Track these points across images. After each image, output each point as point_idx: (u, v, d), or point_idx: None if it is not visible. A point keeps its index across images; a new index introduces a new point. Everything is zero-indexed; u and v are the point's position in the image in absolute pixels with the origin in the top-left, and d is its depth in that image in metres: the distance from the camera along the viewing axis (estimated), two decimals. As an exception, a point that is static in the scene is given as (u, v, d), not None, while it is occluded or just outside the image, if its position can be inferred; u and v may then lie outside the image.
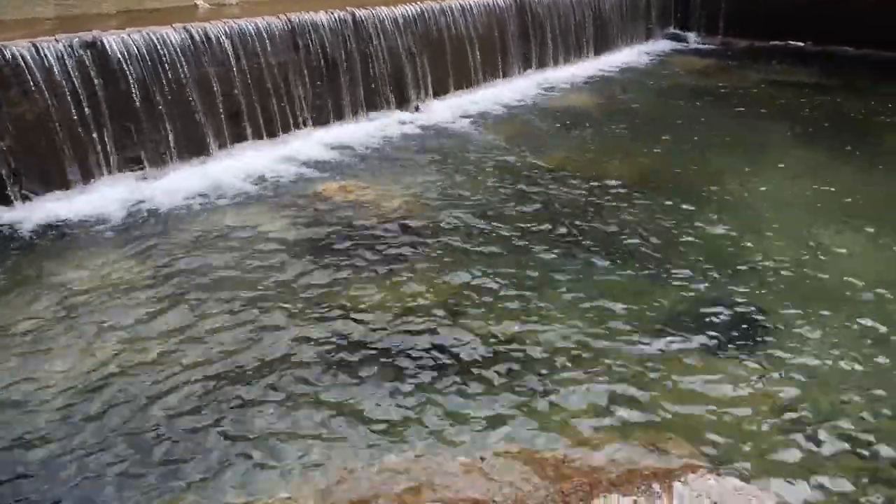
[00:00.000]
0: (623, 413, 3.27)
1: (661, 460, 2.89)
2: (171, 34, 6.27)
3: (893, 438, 3.09)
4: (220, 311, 4.12)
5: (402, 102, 8.13)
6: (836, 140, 7.30)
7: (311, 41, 7.29)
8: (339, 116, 7.57)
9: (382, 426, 3.21)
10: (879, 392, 3.40)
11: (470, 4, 8.97)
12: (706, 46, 12.00)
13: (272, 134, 7.02)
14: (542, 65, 10.03)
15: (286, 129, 7.13)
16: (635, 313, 4.10)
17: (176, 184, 5.92)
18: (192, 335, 3.89)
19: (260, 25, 6.96)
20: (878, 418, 3.23)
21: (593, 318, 4.04)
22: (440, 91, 8.58)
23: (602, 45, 11.09)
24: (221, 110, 6.62)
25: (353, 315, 4.08)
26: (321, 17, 7.43)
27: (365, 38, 7.73)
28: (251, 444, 3.11)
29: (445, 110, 8.18)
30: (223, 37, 6.58)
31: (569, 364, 3.63)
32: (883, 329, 3.91)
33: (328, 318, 4.06)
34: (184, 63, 6.28)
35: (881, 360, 3.65)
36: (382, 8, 7.99)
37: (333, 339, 3.86)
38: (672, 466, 2.81)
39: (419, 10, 8.37)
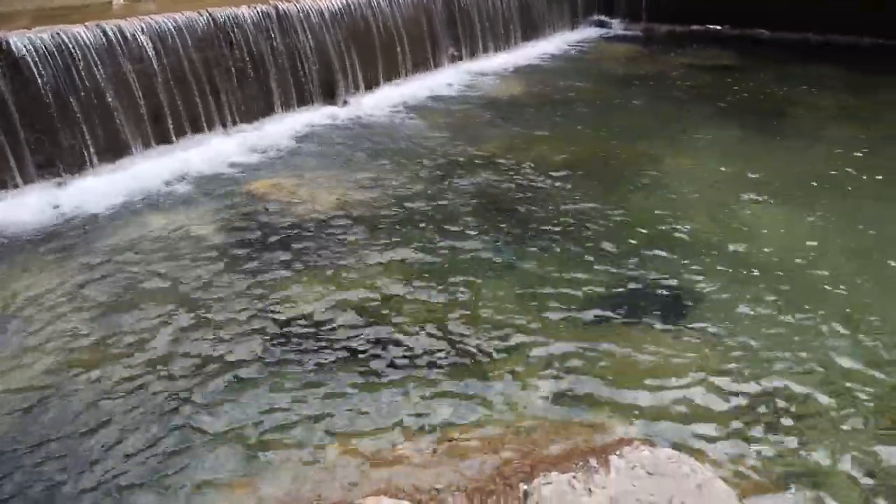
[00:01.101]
0: (559, 392, 3.33)
1: (598, 436, 2.97)
2: (84, 33, 6.01)
3: (819, 401, 3.25)
4: (148, 317, 3.99)
5: (332, 96, 8.03)
6: (753, 119, 7.60)
7: (235, 36, 7.11)
8: (268, 112, 7.42)
9: (324, 421, 3.19)
10: (803, 355, 3.58)
11: (397, -4, 8.92)
12: (630, 32, 12.29)
13: (198, 132, 6.83)
14: (471, 54, 10.07)
15: (212, 127, 6.95)
16: (568, 295, 4.18)
17: (97, 189, 5.69)
18: (118, 345, 3.76)
19: (180, 21, 6.74)
20: (804, 381, 3.38)
21: (528, 302, 4.11)
22: (370, 84, 8.51)
23: (529, 33, 11.22)
24: (143, 110, 6.40)
25: (288, 312, 4.03)
26: (244, 11, 7.25)
27: (290, 32, 7.60)
28: (191, 449, 3.03)
29: (376, 103, 8.13)
30: (140, 34, 6.34)
31: (505, 348, 3.68)
32: (801, 296, 4.11)
33: (262, 317, 3.99)
34: (98, 63, 6.03)
35: (801, 325, 3.83)
36: (307, 1, 7.86)
37: (268, 338, 3.80)
38: (608, 441, 2.89)
39: (345, 2, 8.27)
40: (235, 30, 7.11)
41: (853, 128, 7.23)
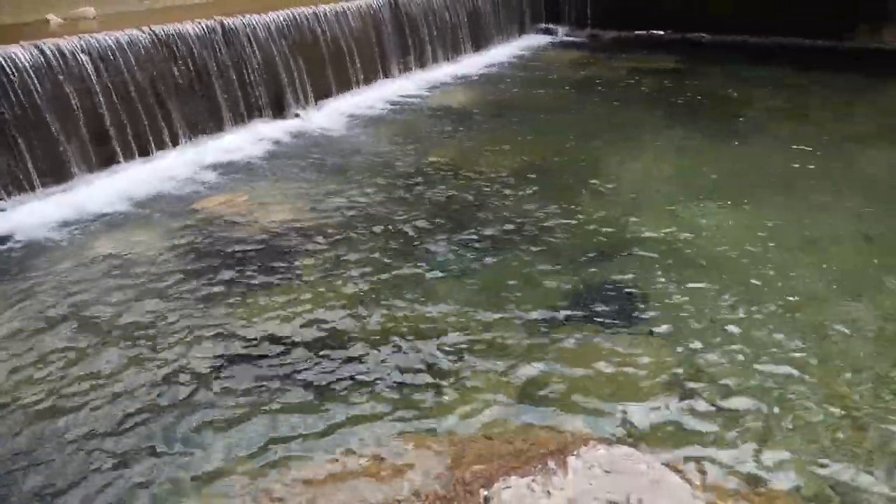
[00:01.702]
0: (517, 397, 3.35)
1: (557, 437, 2.99)
2: (20, 53, 5.84)
3: (771, 395, 3.33)
4: (91, 342, 3.88)
5: (282, 110, 7.97)
6: (699, 120, 7.82)
7: (179, 52, 7.01)
8: (216, 129, 7.32)
9: (280, 436, 3.14)
10: (754, 350, 3.66)
11: (344, 8, 8.92)
12: (576, 39, 12.52)
13: (145, 152, 6.69)
14: (421, 64, 10.12)
15: (160, 146, 6.82)
16: (524, 299, 4.21)
17: (40, 212, 5.53)
18: (57, 372, 3.64)
19: (121, 39, 6.61)
20: (754, 376, 3.47)
21: (484, 309, 4.12)
22: (321, 96, 8.48)
23: (478, 42, 11.34)
24: (86, 131, 6.24)
25: (240, 331, 3.96)
26: (188, 27, 7.15)
27: (237, 47, 7.52)
28: (132, 476, 2.95)
29: (327, 115, 8.10)
30: (80, 52, 6.19)
31: (462, 355, 3.69)
32: (751, 292, 4.21)
33: (213, 338, 3.91)
34: (37, 83, 5.86)
35: (752, 322, 3.93)
36: (253, 16, 7.79)
37: (219, 358, 3.72)
38: (566, 442, 2.91)
39: (292, 16, 8.23)
40: (180, 46, 7.00)
41: (794, 126, 7.48)
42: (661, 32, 12.06)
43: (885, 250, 4.70)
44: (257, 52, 7.70)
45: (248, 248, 4.95)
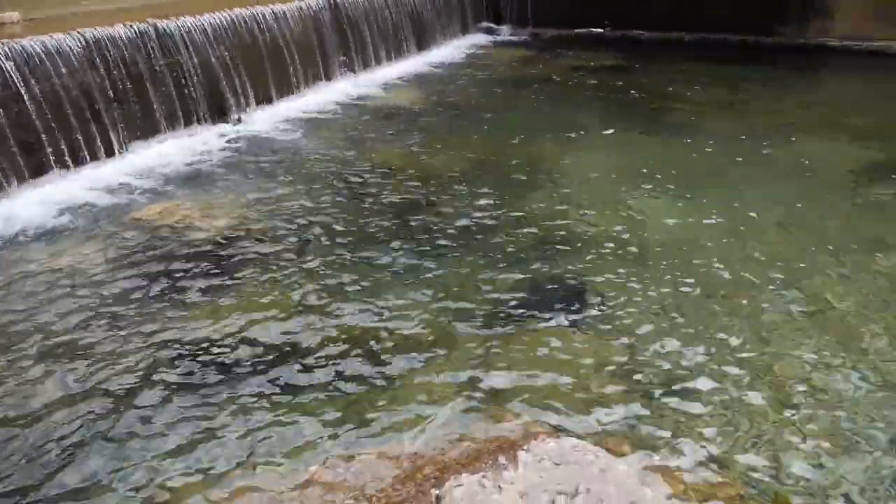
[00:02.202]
0: (468, 395, 3.36)
1: (506, 433, 3.01)
2: (-63, 60, 5.57)
3: (710, 381, 3.42)
4: (28, 360, 3.72)
5: (222, 115, 7.80)
6: (639, 115, 8.00)
7: (112, 58, 6.78)
8: (153, 135, 7.11)
9: (223, 447, 3.07)
10: (694, 338, 3.77)
11: (283, 10, 8.78)
12: (518, 38, 12.64)
13: (78, 161, 6.44)
14: (364, 65, 10.05)
15: (94, 155, 6.58)
16: (473, 298, 4.23)
17: (-35, 227, 5.27)
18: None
19: (49, 44, 6.35)
20: (695, 363, 3.56)
21: (433, 309, 4.13)
22: (262, 100, 8.33)
23: (421, 42, 11.33)
24: (13, 141, 5.98)
25: (183, 340, 3.86)
26: (119, 31, 6.93)
27: (172, 51, 7.33)
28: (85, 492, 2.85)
29: (269, 119, 7.96)
30: (3, 59, 5.93)
31: (412, 357, 3.68)
32: (691, 281, 4.33)
33: (154, 347, 3.81)
34: (-43, 92, 5.60)
35: (693, 310, 4.04)
36: (188, 18, 7.61)
37: (160, 369, 3.62)
38: (515, 437, 2.94)
39: (229, 18, 8.06)
40: (111, 50, 6.78)
41: (728, 119, 7.74)
42: (601, 30, 12.28)
43: (815, 236, 4.90)
44: (194, 55, 7.52)
45: (189, 257, 4.83)
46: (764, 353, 3.63)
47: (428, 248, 4.90)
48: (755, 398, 3.29)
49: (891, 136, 6.87)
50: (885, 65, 9.89)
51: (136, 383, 3.53)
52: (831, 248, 4.70)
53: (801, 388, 3.36)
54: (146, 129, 7.08)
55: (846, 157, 6.36)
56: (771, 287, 4.24)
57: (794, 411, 3.21)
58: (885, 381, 3.40)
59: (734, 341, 3.73)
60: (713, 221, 5.17)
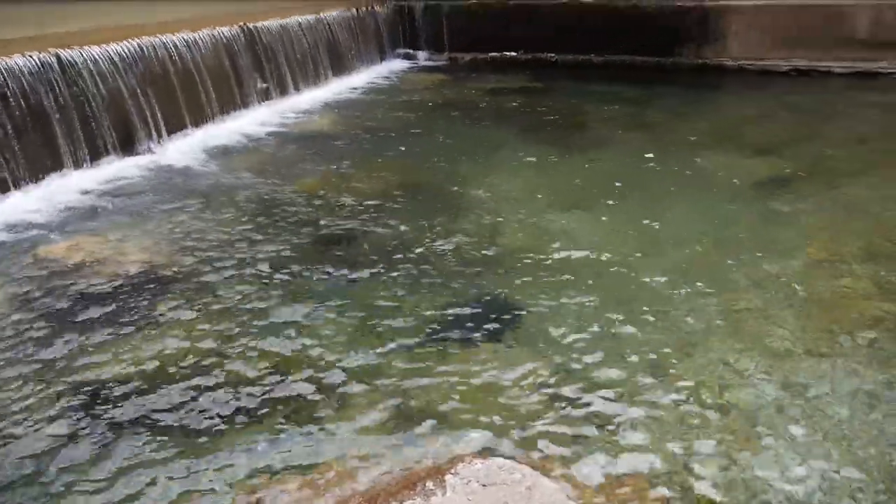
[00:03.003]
0: (395, 421, 3.34)
1: (434, 458, 3.00)
2: None
3: (634, 392, 3.51)
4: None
5: (133, 146, 7.54)
6: (556, 134, 8.24)
7: (10, 90, 6.46)
8: (59, 170, 6.79)
9: (140, 487, 2.93)
10: (618, 352, 3.86)
11: (195, 38, 8.62)
12: (435, 63, 12.83)
13: (-26, 199, 6.09)
14: (281, 92, 9.96)
15: (-6, 192, 6.23)
16: (399, 323, 4.22)
17: None
18: None
19: (-63, 77, 6.01)
20: (620, 377, 3.65)
21: (359, 336, 4.09)
22: (175, 130, 8.11)
23: (339, 68, 11.33)
24: None
25: (95, 381, 3.67)
26: (17, 61, 6.62)
27: (77, 81, 7.05)
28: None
29: (183, 149, 7.75)
30: None
31: (337, 385, 3.63)
32: (614, 297, 4.45)
33: (64, 390, 3.61)
34: None
35: (615, 324, 4.14)
36: (94, 48, 7.35)
37: (75, 415, 3.43)
38: (443, 461, 2.93)
39: (138, 46, 7.84)
40: (9, 83, 6.46)
41: (638, 136, 8.07)
42: (514, 53, 12.62)
43: (723, 245, 5.15)
44: (101, 85, 7.26)
45: (101, 294, 4.62)
46: (682, 360, 3.77)
47: (351, 273, 4.86)
48: (676, 406, 3.41)
49: (783, 149, 7.34)
50: (775, 82, 10.59)
51: (33, 428, 3.33)
52: (738, 256, 4.96)
53: (718, 391, 3.50)
54: (51, 163, 6.75)
55: (745, 170, 6.74)
56: (686, 296, 4.42)
57: (712, 415, 3.34)
58: (789, 380, 3.59)
59: (654, 351, 3.86)
60: (628, 236, 5.36)
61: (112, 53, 7.49)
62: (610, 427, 3.27)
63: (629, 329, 4.08)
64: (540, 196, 6.24)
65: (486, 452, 3.02)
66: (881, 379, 3.58)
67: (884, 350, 3.82)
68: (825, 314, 4.19)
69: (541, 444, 3.16)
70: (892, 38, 10.40)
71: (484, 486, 2.58)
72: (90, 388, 3.65)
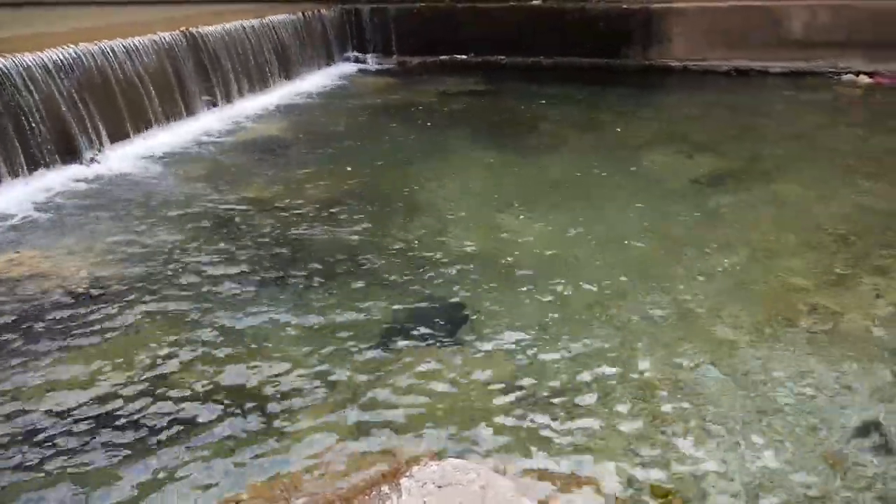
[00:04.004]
0: (350, 430, 3.32)
1: (390, 462, 3.00)
2: None
3: (587, 390, 3.57)
4: None
5: (73, 156, 7.31)
6: (505, 136, 8.32)
7: (-62, 99, 6.20)
8: (-7, 181, 6.54)
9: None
10: (569, 350, 3.92)
11: (135, 44, 8.40)
12: (384, 66, 12.80)
13: None
14: (228, 99, 9.79)
15: (-78, 206, 5.96)
16: (352, 329, 4.19)
17: None
18: None
19: None
20: (572, 374, 3.70)
21: (312, 344, 4.05)
22: (117, 139, 7.88)
23: (287, 73, 11.20)
24: None
25: (37, 402, 3.55)
26: (-55, 70, 6.36)
27: (9, 90, 6.79)
28: None
29: (127, 158, 7.55)
30: None
31: (291, 394, 3.59)
32: (565, 297, 4.52)
33: (11, 413, 3.47)
34: None
35: (567, 322, 4.21)
36: (26, 55, 7.09)
37: (23, 437, 3.31)
38: (398, 465, 2.93)
39: (75, 53, 7.60)
40: (-63, 92, 6.20)
41: (586, 137, 8.22)
42: (464, 56, 12.69)
43: (669, 243, 5.28)
44: (35, 94, 7.01)
45: (41, 310, 4.46)
46: (634, 357, 3.85)
47: (301, 280, 4.81)
48: (628, 402, 3.47)
49: (721, 148, 7.57)
50: (717, 82, 10.94)
51: (-20, 456, 3.20)
52: (682, 251, 5.09)
53: (669, 386, 3.59)
54: (-16, 175, 6.50)
55: (688, 167, 6.93)
56: (635, 293, 4.52)
57: (663, 408, 3.41)
58: (733, 368, 3.71)
59: (605, 349, 3.93)
60: (578, 236, 5.44)
61: (47, 60, 7.25)
62: (563, 424, 3.32)
63: (579, 326, 4.15)
64: (491, 198, 6.29)
65: (440, 454, 3.03)
66: (818, 364, 3.72)
67: (820, 337, 3.97)
68: (765, 305, 4.34)
69: (495, 443, 3.19)
70: (825, 39, 10.84)
71: (439, 487, 2.58)
72: (24, 408, 3.52)
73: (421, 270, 4.92)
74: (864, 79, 10.35)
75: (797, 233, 5.34)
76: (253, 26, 10.41)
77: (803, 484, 2.93)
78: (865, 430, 3.24)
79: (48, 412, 3.49)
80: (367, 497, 2.59)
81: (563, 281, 4.71)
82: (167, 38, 8.84)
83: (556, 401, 3.50)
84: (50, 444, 3.27)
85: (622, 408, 3.42)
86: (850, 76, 10.51)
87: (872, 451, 3.11)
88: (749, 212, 5.83)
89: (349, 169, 7.25)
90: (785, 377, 3.63)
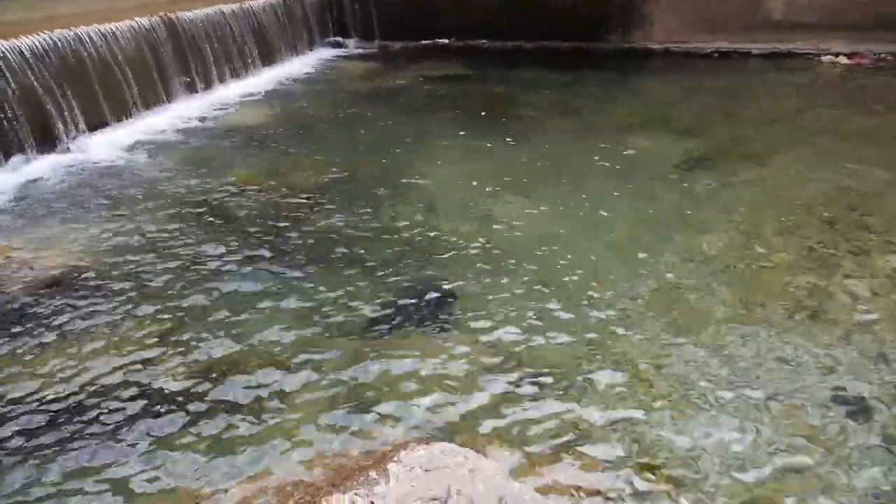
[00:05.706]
0: (337, 416, 3.32)
1: (377, 446, 3.01)
2: None
3: (570, 370, 3.60)
4: None
5: (51, 143, 7.20)
6: (487, 121, 8.29)
7: None
8: (-32, 171, 6.43)
9: (88, 497, 2.84)
10: (554, 331, 3.94)
11: (112, 30, 8.25)
12: (366, 51, 12.70)
13: None
14: (207, 84, 9.67)
15: None
16: (339, 316, 4.18)
17: None
18: None
19: None
20: (556, 356, 3.73)
21: (297, 331, 4.03)
22: (96, 125, 7.78)
23: (267, 58, 11.08)
24: None
25: (18, 394, 3.51)
26: (-84, 57, 6.21)
27: (-16, 77, 6.66)
28: None
29: (105, 145, 7.45)
30: None
31: (278, 382, 3.58)
32: (551, 280, 4.53)
33: (-12, 406, 3.44)
34: None
35: (552, 305, 4.23)
36: (2, 42, 6.95)
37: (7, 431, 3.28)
38: (386, 449, 2.94)
39: (50, 39, 7.46)
40: None
41: (570, 120, 8.20)
42: (446, 41, 12.62)
43: (652, 225, 5.31)
44: (11, 80, 6.88)
45: (19, 301, 4.40)
46: (616, 335, 3.89)
47: (286, 267, 4.78)
48: (613, 381, 3.51)
49: (703, 130, 7.61)
50: (698, 65, 10.96)
51: (-38, 449, 3.17)
52: (666, 234, 5.12)
53: (653, 365, 3.63)
54: (-41, 164, 6.38)
55: (670, 150, 6.95)
56: (620, 275, 4.55)
57: (648, 388, 3.45)
58: (719, 347, 3.76)
59: (589, 329, 3.96)
60: (561, 218, 5.46)
61: (22, 47, 7.11)
62: (549, 405, 3.35)
63: (564, 309, 4.18)
64: (474, 182, 6.28)
65: (427, 438, 3.04)
66: (800, 341, 3.78)
67: (800, 315, 4.03)
68: (747, 284, 4.38)
69: (482, 426, 3.21)
70: (804, 20, 10.89)
71: (427, 471, 2.60)
72: (7, 399, 3.49)
73: (405, 255, 4.91)
74: (844, 60, 10.42)
75: (779, 213, 5.39)
76: (233, 11, 10.27)
77: (786, 456, 2.98)
78: (845, 402, 3.30)
79: (27, 405, 3.46)
80: (354, 482, 2.60)
81: (544, 264, 4.73)
82: (145, 24, 8.70)
83: (542, 382, 3.52)
84: (29, 437, 3.24)
85: (607, 387, 3.46)
86: (829, 57, 10.58)
87: (851, 422, 3.17)
88: (731, 194, 5.87)
89: (331, 153, 7.20)
90: (767, 354, 3.68)
